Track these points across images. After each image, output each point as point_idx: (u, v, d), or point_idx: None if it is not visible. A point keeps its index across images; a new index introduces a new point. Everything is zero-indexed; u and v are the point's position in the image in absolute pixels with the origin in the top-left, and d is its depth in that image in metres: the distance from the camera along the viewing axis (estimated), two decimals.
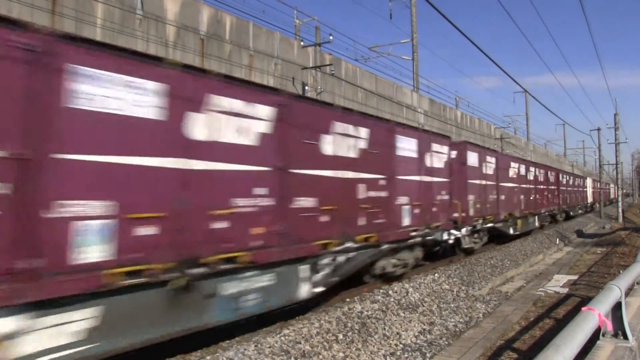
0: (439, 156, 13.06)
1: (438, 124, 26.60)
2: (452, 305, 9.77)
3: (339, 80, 18.88)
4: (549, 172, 28.85)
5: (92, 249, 4.98)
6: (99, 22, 10.85)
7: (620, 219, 38.16)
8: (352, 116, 9.55)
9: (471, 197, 15.42)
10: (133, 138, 5.43)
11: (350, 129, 9.33)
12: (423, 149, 12.11)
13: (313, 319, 7.71)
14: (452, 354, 7.19)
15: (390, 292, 9.62)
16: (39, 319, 4.62)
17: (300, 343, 6.72)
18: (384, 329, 7.84)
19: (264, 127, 7.22)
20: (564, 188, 33.09)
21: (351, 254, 9.10)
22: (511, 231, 20.06)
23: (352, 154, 9.36)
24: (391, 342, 7.45)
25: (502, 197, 18.71)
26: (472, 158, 16.01)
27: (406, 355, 7.04)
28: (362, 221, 9.43)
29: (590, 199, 47.80)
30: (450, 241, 13.73)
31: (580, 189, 40.96)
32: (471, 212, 15.32)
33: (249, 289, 6.97)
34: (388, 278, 11.03)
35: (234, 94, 6.73)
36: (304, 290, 8.04)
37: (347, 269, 9.13)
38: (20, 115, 4.52)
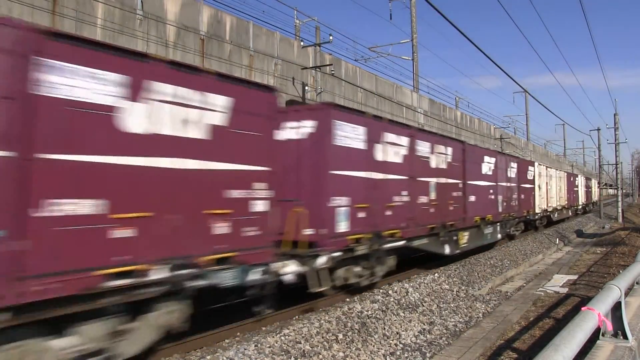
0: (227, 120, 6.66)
1: (438, 124, 26.62)
2: (451, 305, 9.79)
3: (339, 80, 18.89)
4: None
5: (342, 224, 9.25)
6: (99, 22, 10.86)
7: (620, 219, 38.17)
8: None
9: (340, 200, 9.21)
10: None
11: None
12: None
13: (313, 319, 7.72)
14: (451, 354, 7.20)
15: (390, 292, 9.63)
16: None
17: (300, 343, 6.73)
18: (384, 328, 7.85)
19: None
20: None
21: None
22: (447, 250, 13.62)
23: None
24: (391, 341, 7.46)
25: (417, 198, 11.95)
26: (341, 132, 9.39)
27: (406, 355, 7.06)
28: None
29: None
30: (268, 276, 7.31)
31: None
32: (338, 225, 9.15)
33: None
34: None
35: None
36: None
37: None
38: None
